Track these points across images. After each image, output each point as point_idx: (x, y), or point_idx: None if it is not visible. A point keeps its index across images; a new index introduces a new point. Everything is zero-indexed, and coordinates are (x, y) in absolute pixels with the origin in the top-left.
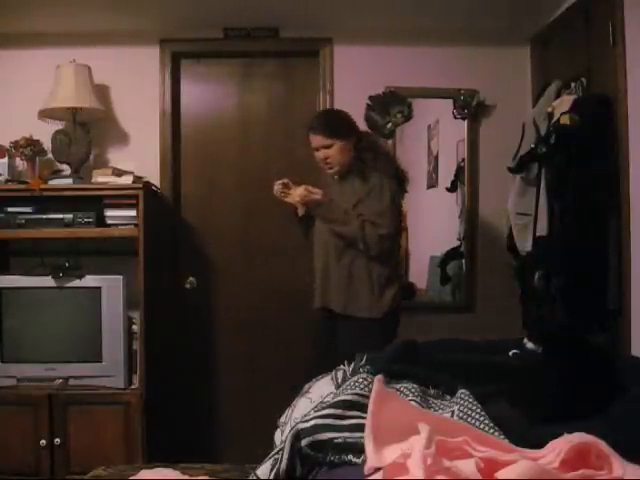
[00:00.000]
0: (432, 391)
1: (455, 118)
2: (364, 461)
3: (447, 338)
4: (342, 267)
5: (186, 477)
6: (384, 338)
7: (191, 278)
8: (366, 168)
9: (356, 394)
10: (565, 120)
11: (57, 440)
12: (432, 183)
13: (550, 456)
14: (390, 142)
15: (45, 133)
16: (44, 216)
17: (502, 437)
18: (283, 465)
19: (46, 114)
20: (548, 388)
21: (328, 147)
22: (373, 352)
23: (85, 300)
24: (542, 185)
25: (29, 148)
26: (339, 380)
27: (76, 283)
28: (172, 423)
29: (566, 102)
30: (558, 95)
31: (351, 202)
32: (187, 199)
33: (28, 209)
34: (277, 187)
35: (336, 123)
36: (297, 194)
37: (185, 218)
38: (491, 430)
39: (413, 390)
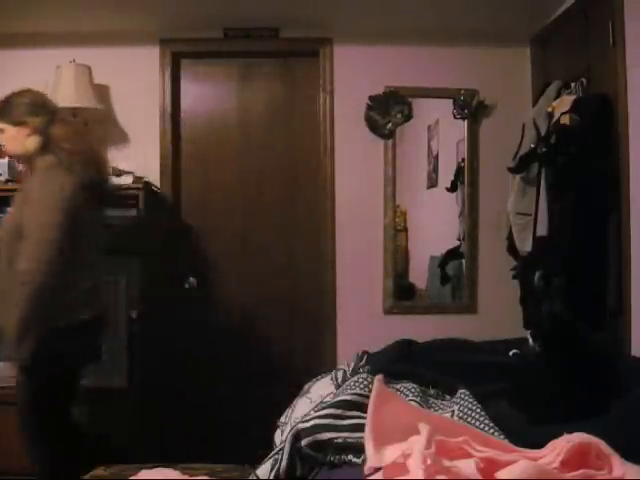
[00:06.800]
0: (432, 391)
1: (455, 118)
2: (364, 461)
3: (447, 338)
4: None
5: (186, 477)
6: None
7: (191, 278)
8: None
9: (356, 394)
10: (565, 120)
11: None
12: (432, 183)
13: (550, 456)
14: (390, 142)
15: None
16: None
17: (502, 437)
18: (283, 465)
19: None
20: (548, 388)
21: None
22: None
23: None
24: (542, 185)
25: None
26: (339, 380)
27: None
28: (172, 423)
29: (566, 102)
30: (558, 95)
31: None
32: (187, 199)
33: None
34: None
35: (10, 106)
36: None
37: (185, 218)
38: (491, 430)
39: (413, 390)
